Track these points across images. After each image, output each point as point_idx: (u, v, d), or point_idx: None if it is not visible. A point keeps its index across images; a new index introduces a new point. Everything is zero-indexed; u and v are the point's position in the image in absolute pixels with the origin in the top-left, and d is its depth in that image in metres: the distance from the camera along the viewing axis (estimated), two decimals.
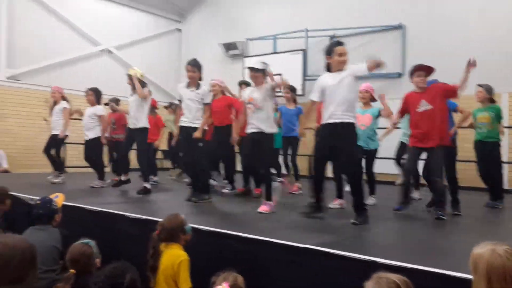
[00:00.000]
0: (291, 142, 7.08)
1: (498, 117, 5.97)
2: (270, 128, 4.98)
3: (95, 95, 7.32)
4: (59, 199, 4.13)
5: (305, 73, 10.96)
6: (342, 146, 4.33)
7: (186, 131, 5.63)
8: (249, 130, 5.04)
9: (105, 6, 13.01)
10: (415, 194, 6.38)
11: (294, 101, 7.23)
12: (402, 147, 6.50)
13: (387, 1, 10.47)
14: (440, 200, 4.80)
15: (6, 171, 10.29)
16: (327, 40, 11.29)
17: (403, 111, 5.16)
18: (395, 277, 1.93)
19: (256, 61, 5.10)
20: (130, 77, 6.44)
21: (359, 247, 3.25)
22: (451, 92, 4.87)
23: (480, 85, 6.05)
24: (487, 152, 5.94)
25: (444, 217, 4.65)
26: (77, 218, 4.44)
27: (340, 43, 4.52)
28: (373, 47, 10.46)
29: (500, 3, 9.06)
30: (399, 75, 10.05)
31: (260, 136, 4.94)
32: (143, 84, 6.47)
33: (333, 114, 4.36)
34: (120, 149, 6.88)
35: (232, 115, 6.61)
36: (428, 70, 4.98)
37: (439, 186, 4.83)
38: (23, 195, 5.25)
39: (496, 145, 5.97)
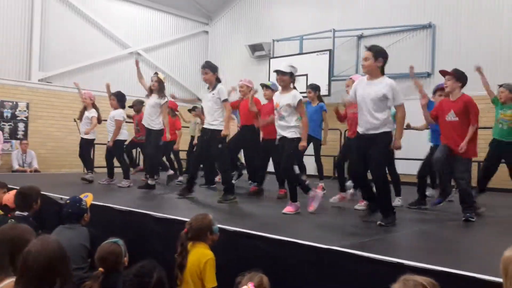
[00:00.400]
0: (312, 141, 7.00)
1: None
2: (293, 134, 4.96)
3: (117, 99, 7.48)
4: (88, 199, 4.23)
5: (331, 74, 10.88)
6: (372, 149, 4.29)
7: (205, 133, 5.80)
8: (277, 135, 5.12)
9: (134, 9, 13.24)
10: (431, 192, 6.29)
11: (320, 99, 7.19)
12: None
13: (416, 0, 10.29)
14: (468, 202, 4.69)
15: (36, 171, 10.58)
16: (355, 40, 11.21)
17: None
18: (422, 279, 1.90)
19: (284, 65, 5.07)
20: (159, 80, 6.59)
21: (384, 249, 3.20)
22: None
23: (501, 85, 5.85)
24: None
25: (473, 219, 4.56)
26: (106, 218, 4.52)
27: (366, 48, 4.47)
28: (401, 47, 10.32)
29: None
30: (428, 75, 9.86)
31: (284, 141, 4.99)
32: (164, 88, 6.77)
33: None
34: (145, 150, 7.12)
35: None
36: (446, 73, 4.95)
37: (465, 188, 4.72)
38: (53, 194, 5.39)
39: None
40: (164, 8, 13.83)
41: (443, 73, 5.04)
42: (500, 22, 9.12)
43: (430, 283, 1.88)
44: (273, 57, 12.35)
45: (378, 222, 4.18)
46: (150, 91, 6.74)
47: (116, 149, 7.44)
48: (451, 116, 4.83)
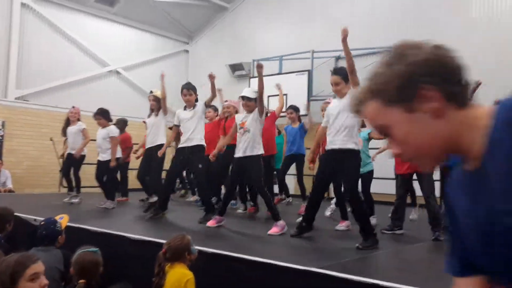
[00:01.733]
0: (295, 160, 7.05)
1: None
2: (257, 150, 5.06)
3: (103, 117, 7.29)
4: (63, 220, 4.14)
5: (310, 94, 11.01)
6: (342, 172, 4.35)
7: (183, 152, 5.75)
8: (236, 154, 5.18)
9: (114, 28, 13.24)
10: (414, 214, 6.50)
11: (299, 120, 7.28)
12: None
13: (392, 22, 10.56)
14: (435, 221, 4.80)
15: (10, 191, 10.33)
16: (333, 62, 11.39)
17: None
18: None
19: (249, 90, 5.19)
20: (156, 98, 6.57)
21: (361, 270, 3.21)
22: None
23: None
24: None
25: (441, 238, 4.64)
26: (81, 240, 4.43)
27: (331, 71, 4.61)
28: None
29: (503, 21, 9.10)
30: None
31: (246, 161, 5.06)
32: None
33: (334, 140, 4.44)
34: (123, 169, 6.98)
35: None
36: None
37: (432, 206, 4.86)
38: (26, 215, 5.26)
39: None
40: (144, 27, 13.86)
41: None
42: (474, 42, 9.40)
43: None
44: (253, 77, 12.44)
45: (357, 245, 4.15)
46: (151, 111, 6.73)
47: (110, 168, 7.21)
48: None
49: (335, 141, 4.39)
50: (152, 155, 6.51)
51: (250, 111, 5.12)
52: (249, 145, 5.03)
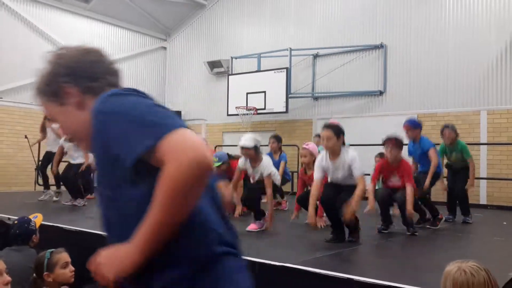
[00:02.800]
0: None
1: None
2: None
3: None
4: (37, 219, 4.07)
5: (288, 91, 11.07)
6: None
7: None
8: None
9: (90, 24, 13.03)
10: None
11: (280, 149, 7.33)
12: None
13: (368, 21, 10.69)
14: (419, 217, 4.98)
15: None
16: (310, 59, 11.49)
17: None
18: None
19: (246, 138, 5.07)
20: None
21: (337, 265, 3.26)
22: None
23: (447, 126, 6.13)
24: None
25: (416, 233, 4.84)
26: (56, 239, 4.37)
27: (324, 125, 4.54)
28: (355, 66, 10.67)
29: (476, 21, 9.32)
30: (380, 93, 10.21)
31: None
32: None
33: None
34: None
35: None
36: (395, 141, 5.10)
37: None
38: (0, 214, 5.16)
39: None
40: (121, 23, 13.69)
41: (387, 142, 5.14)
42: (446, 41, 9.60)
43: None
44: (232, 74, 12.45)
45: (348, 239, 4.30)
46: None
47: (86, 170, 7.09)
48: (394, 181, 5.12)
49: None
50: None
51: (252, 160, 5.11)
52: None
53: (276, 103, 11.06)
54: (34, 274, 3.02)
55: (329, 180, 4.61)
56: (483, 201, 8.76)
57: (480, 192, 8.72)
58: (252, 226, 4.88)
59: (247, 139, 5.07)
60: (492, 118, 9.02)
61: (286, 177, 7.29)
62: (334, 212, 4.40)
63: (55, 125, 7.33)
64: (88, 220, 5.37)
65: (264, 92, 11.20)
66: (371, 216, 5.36)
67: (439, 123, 6.36)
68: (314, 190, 4.44)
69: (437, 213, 5.52)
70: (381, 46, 10.41)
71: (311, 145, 5.60)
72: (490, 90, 9.10)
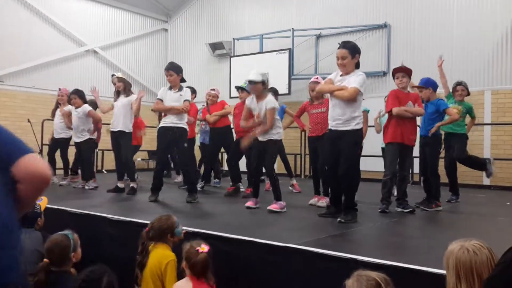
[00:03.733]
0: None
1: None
2: (274, 136, 5.08)
3: (78, 96, 7.20)
4: (42, 202, 4.10)
5: (291, 72, 11.00)
6: (342, 146, 4.40)
7: (170, 130, 5.67)
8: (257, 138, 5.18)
9: (90, 6, 12.90)
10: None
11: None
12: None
13: (371, 0, 10.55)
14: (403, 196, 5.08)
15: None
16: (313, 40, 11.38)
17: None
18: (375, 274, 1.97)
19: (254, 73, 5.11)
20: (120, 79, 6.49)
21: (339, 245, 3.28)
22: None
23: (459, 83, 6.14)
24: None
25: (406, 211, 4.96)
26: (61, 221, 4.41)
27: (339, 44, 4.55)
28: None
29: (481, 1, 9.18)
30: (384, 74, 10.13)
31: (265, 145, 5.08)
32: (130, 85, 6.68)
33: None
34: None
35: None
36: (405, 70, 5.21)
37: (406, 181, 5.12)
38: None
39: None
40: (121, 5, 13.55)
41: (396, 70, 5.26)
42: (451, 21, 9.49)
43: (382, 278, 1.95)
44: (234, 56, 12.36)
45: (339, 219, 4.29)
46: (117, 94, 6.59)
47: (89, 148, 7.19)
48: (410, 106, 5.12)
49: (339, 120, 4.43)
50: (117, 139, 6.49)
51: (258, 95, 5.13)
52: (266, 134, 5.08)
53: (279, 84, 10.89)
54: (46, 259, 2.97)
55: (329, 103, 4.54)
56: (486, 181, 8.75)
57: (484, 172, 8.71)
58: (274, 206, 4.92)
59: (254, 74, 5.09)
60: (496, 98, 8.95)
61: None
62: (336, 182, 4.47)
63: (67, 109, 7.37)
64: (95, 203, 5.40)
65: (267, 73, 11.12)
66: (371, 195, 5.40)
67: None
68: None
69: (439, 195, 5.49)
70: (384, 26, 10.29)
71: (320, 78, 5.72)
72: (494, 70, 9.02)
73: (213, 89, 7.39)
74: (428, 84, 5.61)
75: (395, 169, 5.18)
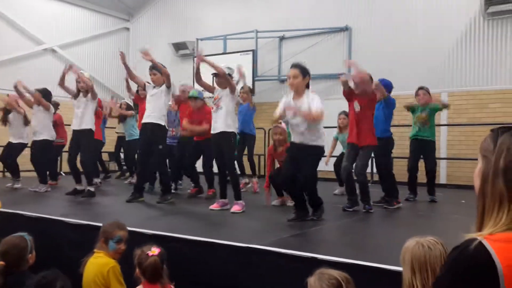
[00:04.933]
0: (246, 138, 7.10)
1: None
2: (231, 127, 5.07)
3: (42, 95, 7.01)
4: None
5: (255, 74, 11.03)
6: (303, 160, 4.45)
7: (146, 129, 5.68)
8: (212, 131, 5.16)
9: (48, 4, 12.52)
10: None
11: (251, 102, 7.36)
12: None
13: (334, 4, 10.72)
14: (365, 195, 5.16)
15: None
16: (277, 42, 11.45)
17: None
18: (336, 273, 1.99)
19: (222, 66, 5.17)
20: (86, 81, 6.34)
21: (301, 245, 3.30)
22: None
23: (421, 88, 6.32)
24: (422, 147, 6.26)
25: (371, 210, 5.03)
26: (14, 226, 4.24)
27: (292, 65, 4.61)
28: (320, 49, 10.69)
29: (440, 4, 9.49)
30: None
31: (219, 138, 5.06)
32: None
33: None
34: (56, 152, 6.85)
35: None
36: None
37: (364, 181, 5.18)
38: None
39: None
40: (80, 3, 13.20)
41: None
42: (410, 24, 9.76)
43: (343, 276, 1.97)
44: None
45: (310, 217, 4.39)
46: (78, 92, 6.42)
47: (48, 150, 6.97)
48: (356, 107, 5.23)
49: (302, 138, 4.46)
50: (79, 138, 6.29)
51: (223, 88, 5.14)
52: (223, 122, 5.02)
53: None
54: (1, 262, 2.85)
55: (289, 121, 4.59)
56: (443, 180, 9.04)
57: (440, 171, 8.99)
58: (236, 208, 4.93)
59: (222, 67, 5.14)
60: (452, 100, 9.26)
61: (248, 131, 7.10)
62: (296, 189, 4.49)
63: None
64: (48, 206, 5.24)
65: (233, 69, 11.10)
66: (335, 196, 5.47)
67: (401, 104, 6.50)
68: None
69: (397, 193, 5.65)
70: (346, 29, 10.47)
71: (283, 124, 5.69)
72: (451, 72, 9.35)
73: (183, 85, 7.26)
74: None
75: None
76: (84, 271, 3.02)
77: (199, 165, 6.77)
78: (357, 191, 5.24)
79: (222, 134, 5.02)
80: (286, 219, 4.41)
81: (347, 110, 5.82)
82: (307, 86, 4.51)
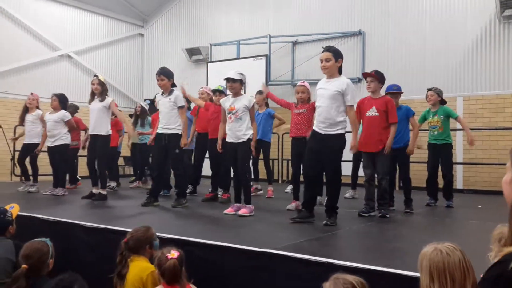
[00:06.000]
0: (262, 144, 7.13)
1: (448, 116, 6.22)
2: (249, 136, 5.12)
3: (59, 100, 7.13)
4: (14, 210, 4.00)
5: (268, 79, 11.05)
6: (326, 150, 4.45)
7: (161, 138, 5.73)
8: (228, 139, 5.18)
9: (65, 11, 12.73)
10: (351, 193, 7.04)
11: (267, 105, 7.35)
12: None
13: (347, 8, 10.71)
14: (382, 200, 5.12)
15: None
16: (290, 46, 11.47)
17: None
18: (351, 278, 1.98)
19: (233, 72, 5.18)
20: (100, 82, 6.38)
21: (317, 250, 3.29)
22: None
23: (430, 89, 6.29)
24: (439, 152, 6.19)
25: (387, 215, 4.97)
26: (33, 229, 4.30)
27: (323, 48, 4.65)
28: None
29: (453, 9, 9.42)
30: (359, 80, 10.27)
31: (238, 145, 5.09)
32: (106, 90, 6.59)
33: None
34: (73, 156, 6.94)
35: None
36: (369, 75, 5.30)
37: (384, 187, 5.13)
38: None
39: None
40: (96, 10, 13.39)
41: (365, 75, 5.37)
42: (424, 28, 9.70)
43: (359, 281, 1.97)
44: (211, 61, 12.35)
45: (324, 222, 4.38)
46: (92, 96, 6.51)
47: (65, 154, 7.07)
48: (372, 112, 5.16)
49: (324, 124, 4.49)
50: (95, 144, 6.38)
51: (235, 93, 5.17)
52: (243, 133, 5.08)
53: (256, 90, 11.00)
54: (24, 265, 2.90)
55: (316, 104, 4.63)
56: (459, 185, 8.95)
57: (457, 176, 8.90)
58: (243, 211, 4.96)
59: (233, 73, 5.16)
60: (468, 104, 9.18)
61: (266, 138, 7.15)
62: (315, 187, 4.57)
63: (37, 114, 7.26)
64: (65, 210, 5.30)
65: (245, 75, 11.15)
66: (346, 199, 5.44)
67: (417, 109, 6.44)
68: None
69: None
70: (359, 33, 10.45)
71: (306, 83, 5.79)
72: (466, 76, 9.26)
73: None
74: (389, 89, 5.76)
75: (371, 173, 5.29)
76: (128, 274, 3.05)
77: (206, 166, 6.85)
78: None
79: (243, 144, 5.08)
80: (289, 218, 4.51)
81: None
82: (340, 71, 4.54)
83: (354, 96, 4.49)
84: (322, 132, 4.47)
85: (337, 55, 4.50)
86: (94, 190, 6.41)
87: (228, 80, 5.16)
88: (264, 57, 11.11)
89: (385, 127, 5.13)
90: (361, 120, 5.33)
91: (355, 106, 4.59)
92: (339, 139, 4.44)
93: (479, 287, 1.59)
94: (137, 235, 3.19)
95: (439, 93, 6.25)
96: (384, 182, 5.14)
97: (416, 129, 5.91)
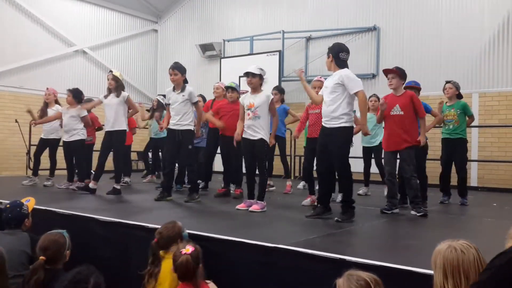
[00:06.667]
0: (278, 140, 7.11)
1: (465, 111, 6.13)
2: (266, 134, 5.12)
3: (73, 95, 7.18)
4: (30, 203, 4.05)
5: (281, 74, 11.02)
6: (331, 145, 4.45)
7: (174, 134, 5.73)
8: (246, 135, 5.17)
9: (79, 6, 12.84)
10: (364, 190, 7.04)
11: (282, 101, 7.34)
12: None
13: (362, 3, 10.62)
14: (417, 199, 5.00)
15: None
16: (303, 42, 11.42)
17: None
18: (365, 275, 1.98)
19: (253, 67, 5.17)
20: (115, 78, 6.39)
21: (330, 246, 3.28)
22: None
23: (448, 82, 6.22)
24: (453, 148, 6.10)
25: (428, 213, 4.90)
26: (48, 223, 4.36)
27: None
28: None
29: (469, 4, 9.29)
30: (373, 76, 10.20)
31: (256, 142, 5.09)
32: (122, 85, 6.55)
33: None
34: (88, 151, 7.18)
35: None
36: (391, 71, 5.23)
37: (415, 187, 5.02)
38: None
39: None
40: (110, 5, 13.49)
41: (386, 71, 5.28)
42: (439, 24, 9.58)
43: (372, 278, 1.96)
44: (224, 57, 12.36)
45: (336, 218, 4.36)
46: (109, 91, 6.52)
47: (82, 149, 7.15)
48: (396, 111, 5.08)
49: (327, 117, 4.53)
50: (112, 139, 6.39)
51: (254, 88, 5.17)
52: (261, 131, 5.09)
53: (269, 86, 11.00)
54: (42, 256, 2.93)
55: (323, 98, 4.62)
56: (474, 183, 8.84)
57: (471, 174, 8.80)
58: (255, 207, 4.97)
59: (253, 67, 5.16)
60: (484, 101, 9.06)
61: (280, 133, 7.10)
62: (327, 183, 4.57)
63: (55, 109, 7.33)
64: (80, 204, 5.36)
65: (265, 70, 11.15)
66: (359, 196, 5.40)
67: (433, 106, 6.37)
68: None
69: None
70: (374, 29, 10.36)
71: (323, 78, 5.73)
72: (482, 73, 9.13)
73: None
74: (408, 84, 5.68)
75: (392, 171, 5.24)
76: (162, 266, 3.07)
77: (218, 162, 6.87)
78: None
79: (261, 140, 5.08)
80: (305, 216, 4.48)
81: None
82: (340, 65, 4.55)
83: (357, 83, 4.42)
84: (327, 126, 4.48)
85: (329, 50, 4.60)
86: (116, 186, 6.43)
87: (247, 74, 5.13)
88: (278, 52, 11.08)
89: (410, 125, 5.06)
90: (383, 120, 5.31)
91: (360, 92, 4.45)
92: (344, 132, 4.42)
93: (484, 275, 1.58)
94: (167, 233, 3.19)
95: (457, 86, 6.17)
96: (413, 181, 5.02)
97: (438, 117, 5.92)
